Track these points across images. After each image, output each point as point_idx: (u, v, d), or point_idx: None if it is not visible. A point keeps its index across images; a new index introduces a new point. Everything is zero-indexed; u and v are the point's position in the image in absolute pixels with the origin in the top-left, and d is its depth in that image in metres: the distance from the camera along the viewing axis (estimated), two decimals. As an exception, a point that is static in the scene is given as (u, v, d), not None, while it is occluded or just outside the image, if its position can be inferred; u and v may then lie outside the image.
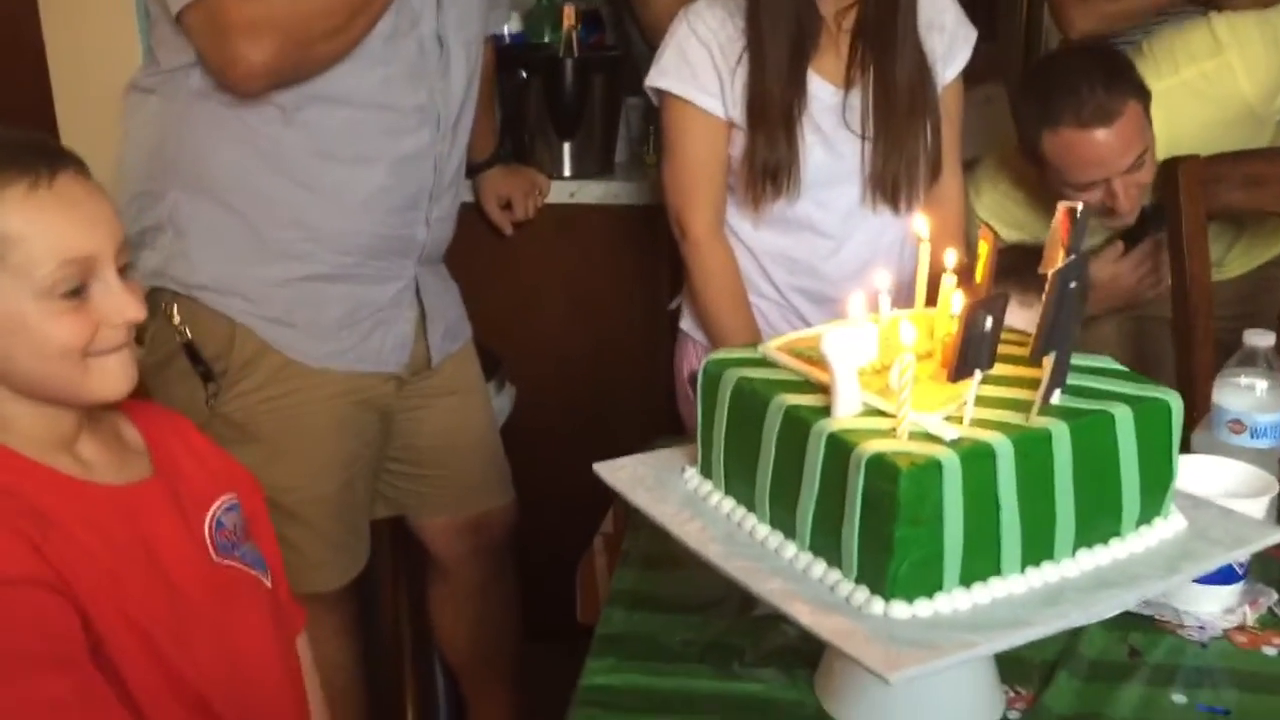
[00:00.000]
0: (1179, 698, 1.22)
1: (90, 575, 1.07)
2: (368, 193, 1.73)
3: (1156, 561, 1.11)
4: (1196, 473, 1.35)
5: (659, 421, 2.38)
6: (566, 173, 2.46)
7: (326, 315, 1.75)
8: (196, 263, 1.70)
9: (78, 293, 1.06)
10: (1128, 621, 1.32)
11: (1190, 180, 1.96)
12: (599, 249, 2.49)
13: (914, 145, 1.79)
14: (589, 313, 2.51)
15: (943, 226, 1.89)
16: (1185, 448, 1.55)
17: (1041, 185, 1.96)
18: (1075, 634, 1.29)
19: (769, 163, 1.76)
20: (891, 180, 1.80)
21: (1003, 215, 2.07)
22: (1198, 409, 1.87)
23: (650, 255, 2.44)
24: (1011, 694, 1.23)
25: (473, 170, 2.22)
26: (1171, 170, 1.97)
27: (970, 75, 1.96)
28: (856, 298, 1.10)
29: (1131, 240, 2.11)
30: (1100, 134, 1.82)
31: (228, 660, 1.18)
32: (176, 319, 1.71)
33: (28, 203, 1.04)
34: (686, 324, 1.98)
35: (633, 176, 2.48)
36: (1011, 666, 1.24)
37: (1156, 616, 1.34)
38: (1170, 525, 1.15)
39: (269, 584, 1.24)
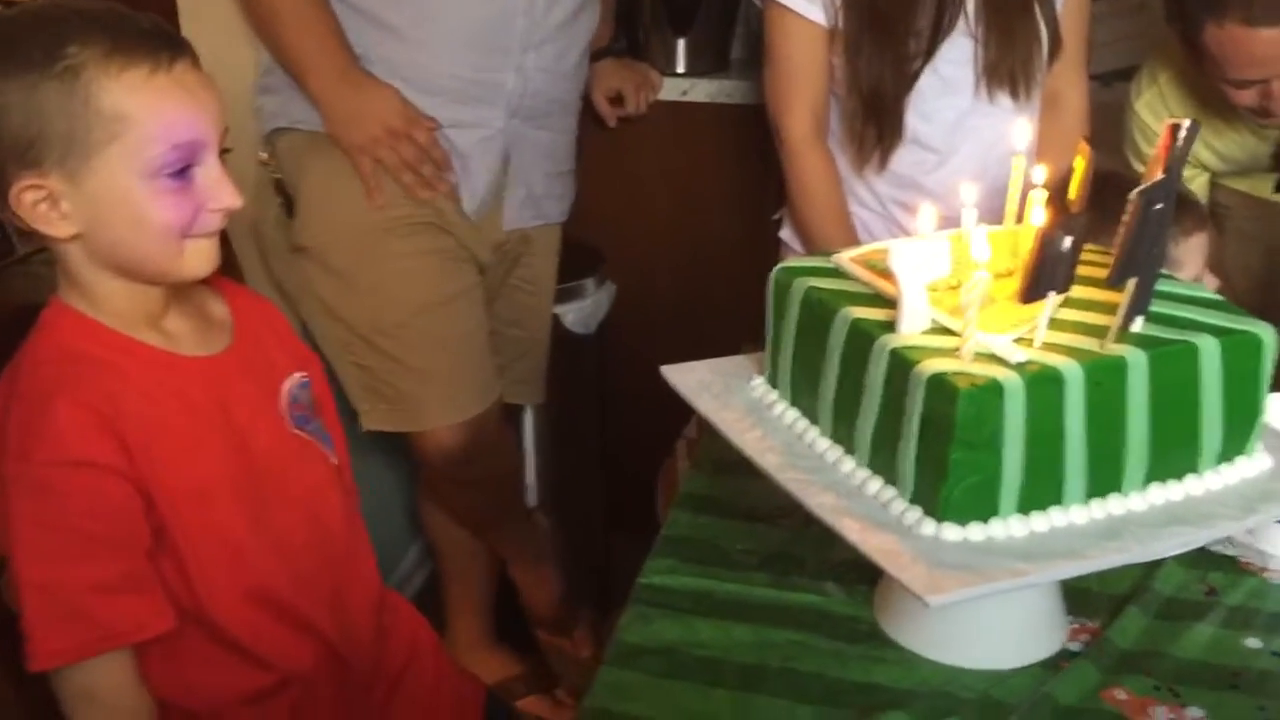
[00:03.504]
0: (1253, 642, 1.18)
1: (165, 443, 1.11)
2: (446, 26, 1.73)
3: (1233, 501, 1.06)
4: (1296, 411, 1.28)
5: (756, 329, 2.36)
6: (680, 69, 2.41)
7: None
8: (288, 98, 1.78)
9: (183, 175, 1.09)
10: (1209, 560, 1.28)
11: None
12: (709, 149, 2.45)
13: (1027, 33, 1.71)
14: (695, 214, 2.47)
15: (1060, 137, 1.82)
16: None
17: (1202, 79, 1.86)
18: (1151, 569, 1.25)
19: (876, 90, 1.69)
20: (1008, 71, 1.73)
21: (1160, 113, 1.98)
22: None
23: (761, 158, 2.38)
24: (1075, 625, 1.20)
25: (584, 61, 2.20)
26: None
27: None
28: (925, 210, 1.06)
29: None
30: (1267, 34, 1.70)
31: (310, 521, 1.23)
32: (268, 156, 1.81)
33: (147, 85, 1.06)
34: (786, 233, 1.94)
35: (748, 75, 2.41)
36: (1078, 597, 1.21)
37: (1240, 557, 1.29)
38: (1254, 464, 1.10)
39: (335, 461, 1.28)
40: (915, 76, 1.71)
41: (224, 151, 1.13)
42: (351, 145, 1.76)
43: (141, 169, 1.07)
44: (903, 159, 1.77)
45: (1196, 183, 2.05)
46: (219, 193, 1.11)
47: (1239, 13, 1.69)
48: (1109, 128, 2.04)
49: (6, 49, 1.05)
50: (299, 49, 1.75)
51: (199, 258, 1.12)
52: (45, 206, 1.07)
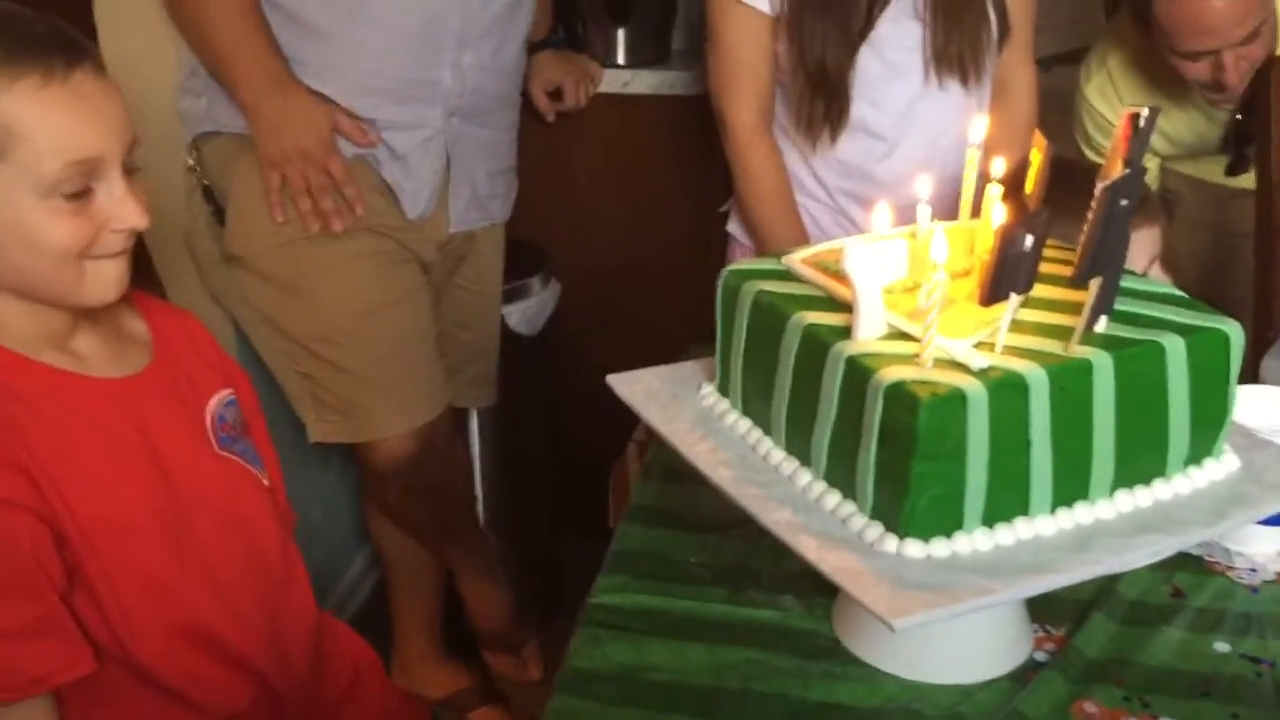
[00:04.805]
0: (1221, 646, 1.14)
1: (76, 474, 1.04)
2: (377, 26, 1.67)
3: (1203, 505, 1.03)
4: (1262, 405, 1.25)
5: (705, 325, 2.31)
6: (620, 60, 2.35)
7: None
8: (212, 100, 1.71)
9: (81, 194, 1.02)
10: (1174, 560, 1.22)
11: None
12: (653, 142, 2.39)
13: (975, 17, 1.67)
14: (639, 209, 2.42)
15: (1010, 126, 1.78)
16: (1254, 376, 1.46)
17: (1152, 63, 1.84)
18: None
19: (820, 64, 1.65)
20: (957, 56, 1.69)
21: (1110, 97, 1.96)
22: (1275, 330, 1.75)
23: (706, 150, 2.32)
24: (1041, 634, 1.16)
25: (520, 53, 2.14)
26: (1265, 69, 1.82)
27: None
28: (882, 208, 1.01)
29: (1239, 145, 1.97)
30: (1218, 2, 1.68)
31: (243, 548, 1.16)
32: (194, 161, 1.74)
33: (39, 97, 0.99)
34: (734, 226, 1.90)
35: (691, 65, 2.36)
36: (1043, 604, 1.16)
37: (1206, 556, 1.25)
38: (1222, 466, 1.06)
39: (267, 483, 1.21)
40: (858, 43, 1.66)
41: (134, 170, 1.06)
42: (265, 157, 1.69)
43: (34, 187, 0.99)
44: (851, 147, 1.73)
45: (1147, 168, 2.03)
46: (122, 212, 1.03)
47: None
48: (1052, 112, 2.01)
49: None
50: (231, 60, 1.67)
51: (102, 281, 1.05)
52: None
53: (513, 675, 2.15)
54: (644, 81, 2.34)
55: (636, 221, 2.43)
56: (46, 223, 1.01)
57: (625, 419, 1.96)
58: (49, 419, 1.04)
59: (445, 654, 2.15)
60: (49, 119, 0.99)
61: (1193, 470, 1.05)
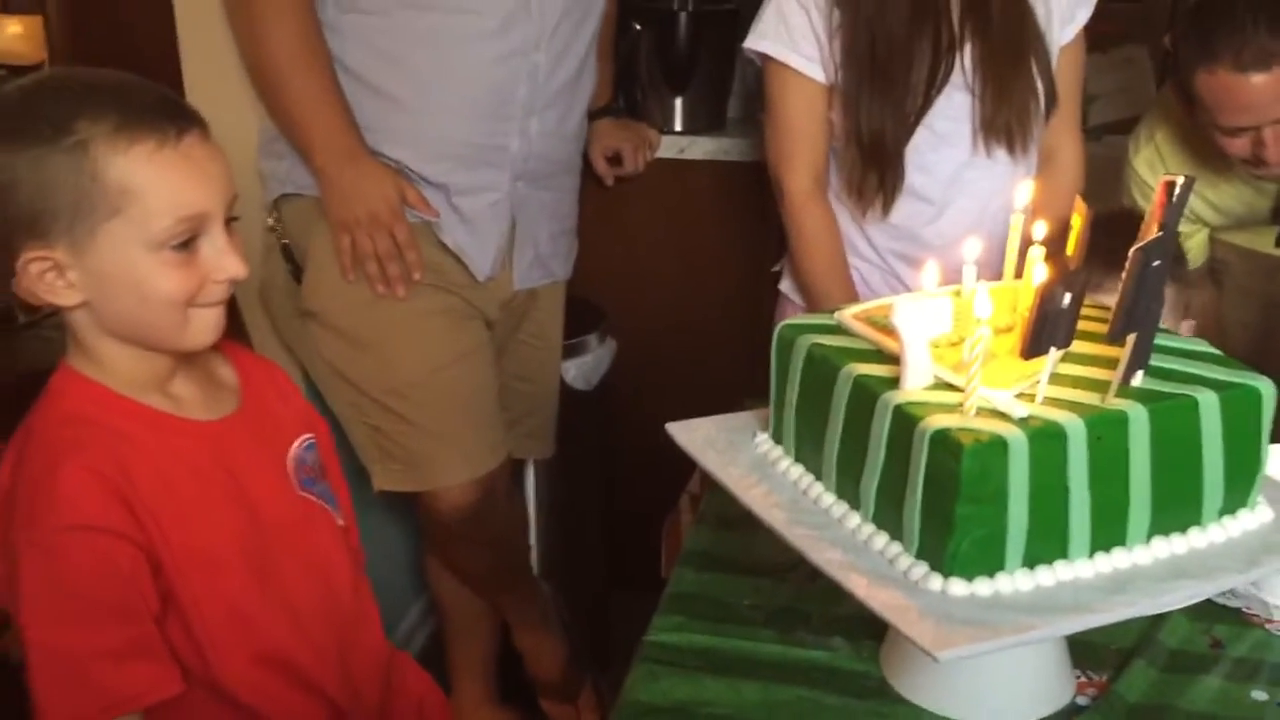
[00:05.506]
0: (1259, 694, 1.18)
1: (172, 508, 1.11)
2: (450, 96, 1.75)
3: (1236, 554, 1.07)
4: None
5: (758, 383, 2.37)
6: (678, 127, 2.44)
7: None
8: (293, 164, 1.79)
9: (188, 246, 1.10)
10: (1213, 612, 1.28)
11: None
12: (707, 206, 2.47)
13: (1023, 89, 1.73)
14: (693, 270, 2.50)
15: (1055, 193, 1.84)
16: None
17: (1198, 136, 1.89)
18: (1156, 622, 1.25)
19: (878, 138, 1.72)
20: (1004, 126, 1.75)
21: (1157, 169, 2.01)
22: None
23: (758, 214, 2.41)
24: (1083, 679, 1.20)
25: (584, 119, 2.23)
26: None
27: (1110, 36, 1.88)
28: (930, 267, 1.08)
29: None
30: (1257, 79, 1.73)
31: (318, 583, 1.23)
32: (274, 221, 1.82)
33: (153, 160, 1.07)
34: (785, 285, 1.96)
35: (746, 133, 2.45)
36: (1085, 651, 1.21)
37: (1244, 609, 1.29)
38: (1255, 517, 1.10)
39: (341, 523, 1.28)
40: (915, 124, 1.73)
41: (232, 220, 1.15)
42: (336, 221, 1.76)
43: (146, 241, 1.08)
44: (900, 210, 1.80)
45: (1195, 238, 2.07)
46: (224, 263, 1.12)
47: (1229, 59, 1.72)
48: (1100, 181, 2.06)
49: (17, 122, 1.06)
50: (306, 125, 1.75)
51: (204, 327, 1.13)
52: (52, 276, 1.08)
53: None
54: (700, 148, 2.43)
55: (690, 282, 2.50)
56: (156, 274, 1.09)
57: (677, 472, 2.04)
58: (151, 457, 1.11)
59: (501, 702, 2.19)
60: (162, 179, 1.08)
61: (1227, 520, 1.09)
